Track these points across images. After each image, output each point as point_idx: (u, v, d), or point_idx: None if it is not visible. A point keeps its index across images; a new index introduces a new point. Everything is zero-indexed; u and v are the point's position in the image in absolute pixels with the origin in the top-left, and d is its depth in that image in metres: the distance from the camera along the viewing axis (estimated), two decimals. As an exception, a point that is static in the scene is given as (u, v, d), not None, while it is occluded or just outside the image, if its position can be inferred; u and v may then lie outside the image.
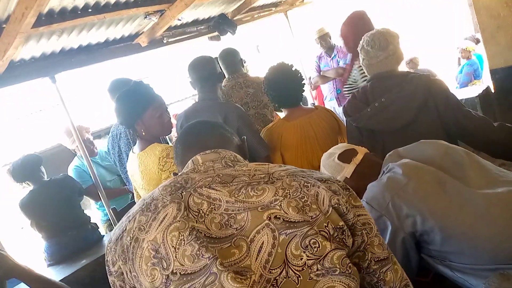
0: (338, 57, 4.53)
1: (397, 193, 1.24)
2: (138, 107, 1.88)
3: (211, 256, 0.76)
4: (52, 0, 2.40)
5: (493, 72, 2.99)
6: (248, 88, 2.78)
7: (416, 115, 1.82)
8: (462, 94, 3.16)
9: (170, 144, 2.48)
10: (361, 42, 2.02)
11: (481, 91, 3.13)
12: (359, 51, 2.05)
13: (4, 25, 2.40)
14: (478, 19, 2.98)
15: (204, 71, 2.40)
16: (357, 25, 2.62)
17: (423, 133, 1.69)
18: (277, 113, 3.01)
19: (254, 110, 2.78)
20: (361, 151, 1.49)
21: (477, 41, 5.28)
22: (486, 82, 4.01)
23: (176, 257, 0.78)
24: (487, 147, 1.75)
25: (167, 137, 2.74)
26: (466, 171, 1.28)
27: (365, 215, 0.87)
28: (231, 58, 2.86)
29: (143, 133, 1.90)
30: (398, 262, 1.16)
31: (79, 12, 2.73)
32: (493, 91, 3.06)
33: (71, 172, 3.28)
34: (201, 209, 0.83)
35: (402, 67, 2.07)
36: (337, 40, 4.65)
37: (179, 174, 0.94)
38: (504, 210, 1.14)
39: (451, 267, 1.20)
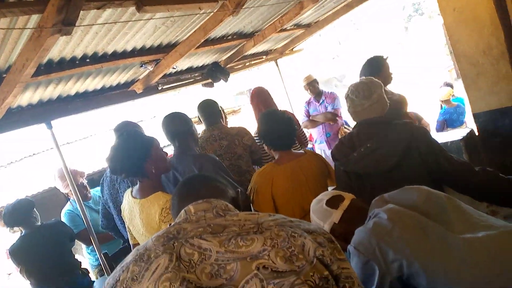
0: (326, 102, 4.70)
1: (383, 238, 1.28)
2: (146, 145, 1.91)
3: None
4: (52, 51, 2.51)
5: (476, 116, 3.09)
6: (222, 140, 2.87)
7: (401, 160, 1.89)
8: (447, 137, 3.25)
9: None
10: (346, 91, 2.13)
11: (465, 134, 3.22)
12: (345, 99, 2.15)
13: (4, 75, 2.48)
14: (459, 66, 3.12)
15: (176, 126, 2.52)
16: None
17: (408, 177, 1.76)
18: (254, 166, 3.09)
19: (229, 162, 2.85)
20: (348, 197, 1.55)
21: (451, 86, 5.52)
22: (470, 125, 4.13)
23: None
24: (469, 191, 1.81)
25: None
26: (448, 215, 1.33)
27: (348, 268, 0.90)
28: (209, 109, 2.99)
29: (153, 171, 1.91)
30: (388, 305, 1.19)
31: (77, 62, 2.84)
32: (477, 133, 3.15)
33: (63, 216, 3.26)
34: (192, 259, 0.86)
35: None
36: (324, 86, 4.84)
37: (172, 224, 0.98)
38: (485, 254, 1.18)
39: (438, 311, 1.22)
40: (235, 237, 0.88)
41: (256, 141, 2.99)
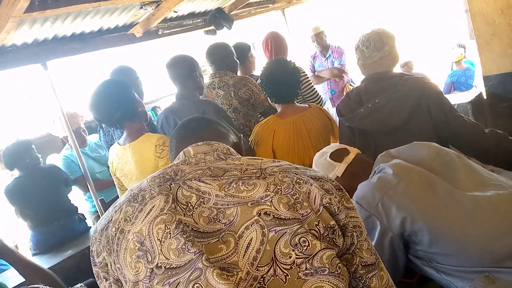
0: (333, 57, 4.54)
1: (387, 193, 1.24)
2: (129, 90, 2.02)
3: (197, 251, 0.75)
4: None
5: (486, 79, 3.02)
6: (219, 89, 2.74)
7: (409, 117, 1.83)
8: (455, 99, 3.18)
9: None
10: (356, 42, 2.02)
11: (473, 97, 3.15)
12: (354, 50, 2.04)
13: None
14: (474, 25, 3.00)
15: (177, 70, 2.44)
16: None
17: (415, 135, 1.69)
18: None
19: None
20: (353, 151, 1.50)
21: (464, 47, 5.33)
22: (479, 87, 4.04)
23: (161, 250, 0.77)
24: (477, 153, 1.76)
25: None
26: (457, 173, 1.29)
27: (356, 217, 0.86)
28: (216, 54, 2.83)
29: (140, 112, 2.04)
30: (386, 261, 1.16)
31: (74, -1, 2.69)
32: (485, 97, 3.08)
33: (60, 161, 3.23)
34: (190, 202, 0.81)
35: (397, 70, 2.08)
36: (332, 40, 4.66)
37: (170, 165, 0.93)
38: (492, 212, 1.15)
39: (437, 269, 1.21)
40: (236, 181, 0.82)
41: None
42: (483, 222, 1.14)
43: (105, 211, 3.05)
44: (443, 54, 5.94)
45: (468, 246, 1.13)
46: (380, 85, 1.92)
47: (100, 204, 3.03)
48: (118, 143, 2.10)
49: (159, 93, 5.09)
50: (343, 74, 4.49)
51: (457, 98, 3.29)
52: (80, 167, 3.07)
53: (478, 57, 3.01)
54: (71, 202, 3.04)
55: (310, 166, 1.60)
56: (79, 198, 3.33)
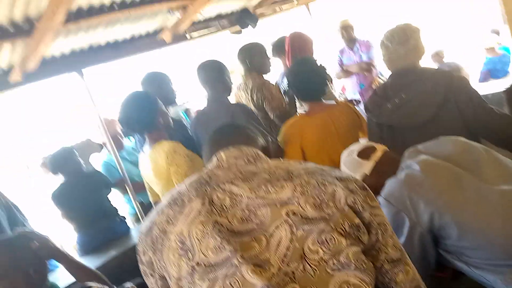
0: (361, 50, 4.47)
1: (415, 189, 1.26)
2: (154, 100, 2.14)
3: (233, 249, 0.81)
4: (80, -1, 2.49)
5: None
6: (243, 91, 2.85)
7: (437, 112, 1.81)
8: (490, 88, 3.08)
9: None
10: (381, 38, 2.02)
11: (508, 86, 3.04)
12: (380, 46, 2.04)
13: (36, 23, 2.50)
14: (506, 10, 2.89)
15: (206, 74, 2.53)
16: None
17: (444, 130, 1.67)
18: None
19: None
20: (380, 148, 1.51)
21: (498, 33, 5.11)
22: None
23: (200, 249, 0.83)
24: (509, 145, 1.73)
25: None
26: (484, 167, 1.28)
27: (381, 215, 0.90)
28: (241, 55, 2.94)
29: (161, 122, 2.14)
30: (416, 257, 1.19)
31: (106, 9, 2.81)
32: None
33: (99, 166, 3.39)
34: (224, 204, 0.87)
35: (428, 61, 2.06)
36: (360, 34, 4.60)
37: (205, 170, 0.99)
38: None
39: (467, 263, 1.22)
40: (266, 184, 0.88)
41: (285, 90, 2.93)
42: (509, 215, 1.14)
43: (144, 213, 3.17)
44: (477, 41, 5.72)
45: (496, 240, 1.13)
46: (406, 80, 1.91)
47: (139, 206, 3.15)
48: (143, 150, 2.26)
49: (191, 95, 5.22)
50: (372, 68, 4.42)
51: (491, 87, 3.19)
52: (119, 171, 3.22)
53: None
54: (112, 204, 3.17)
55: (339, 163, 1.63)
56: (119, 201, 3.47)
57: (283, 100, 2.93)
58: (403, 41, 1.90)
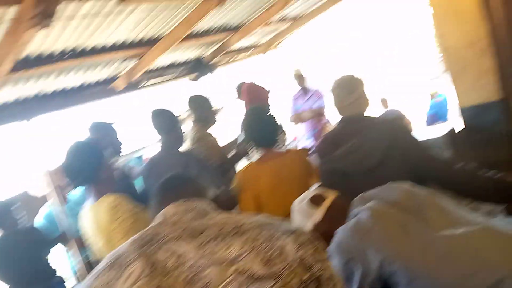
0: (313, 99, 4.70)
1: (363, 237, 1.26)
2: (100, 151, 2.02)
3: None
4: (30, 46, 2.43)
5: (462, 111, 3.07)
6: (189, 141, 2.89)
7: (383, 158, 1.87)
8: (429, 134, 3.25)
9: None
10: (331, 85, 2.11)
11: (448, 130, 3.23)
12: (331, 92, 2.12)
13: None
14: (445, 60, 3.11)
15: (159, 124, 2.52)
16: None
17: (391, 174, 1.73)
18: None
19: None
20: (331, 195, 1.52)
21: (437, 79, 5.60)
22: (452, 121, 4.13)
23: None
24: (451, 187, 1.81)
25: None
26: (428, 212, 1.32)
27: (330, 269, 0.88)
28: (188, 106, 3.00)
29: (105, 175, 2.00)
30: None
31: (56, 57, 2.76)
32: (461, 129, 3.15)
33: (43, 219, 3.17)
34: (167, 265, 0.82)
35: (377, 106, 2.16)
36: (312, 82, 4.82)
37: (148, 227, 0.95)
38: (463, 251, 1.17)
39: (420, 310, 1.21)
40: (213, 241, 0.85)
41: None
42: (456, 261, 1.16)
43: (88, 270, 2.93)
44: (420, 87, 6.16)
45: (445, 285, 1.14)
46: (355, 127, 1.99)
47: (83, 261, 2.95)
48: (85, 204, 2.09)
49: (143, 143, 5.13)
50: (323, 114, 4.63)
51: (431, 133, 3.36)
52: (62, 225, 3.02)
53: (452, 89, 3.09)
54: (50, 264, 2.98)
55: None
56: (62, 256, 3.24)
57: (221, 153, 3.00)
58: (350, 91, 2.00)
